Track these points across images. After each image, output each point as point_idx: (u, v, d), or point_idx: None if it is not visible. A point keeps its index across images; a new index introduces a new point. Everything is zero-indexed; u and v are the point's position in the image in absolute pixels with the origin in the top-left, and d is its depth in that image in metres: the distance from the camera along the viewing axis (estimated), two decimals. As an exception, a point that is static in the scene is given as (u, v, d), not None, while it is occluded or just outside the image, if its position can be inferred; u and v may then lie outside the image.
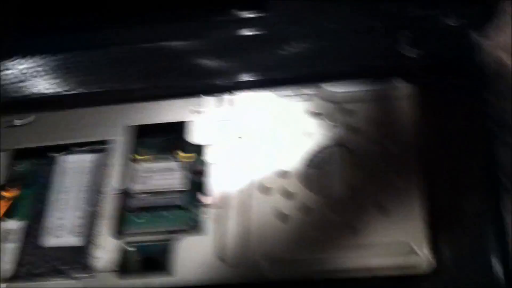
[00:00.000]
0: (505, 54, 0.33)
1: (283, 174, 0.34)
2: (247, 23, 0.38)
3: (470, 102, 0.33)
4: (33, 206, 0.36)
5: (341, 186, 0.33)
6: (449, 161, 0.33)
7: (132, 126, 0.37)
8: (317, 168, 0.34)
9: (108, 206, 0.35)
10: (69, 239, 0.34)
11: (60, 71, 0.39)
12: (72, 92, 0.38)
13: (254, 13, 0.38)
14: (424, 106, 0.34)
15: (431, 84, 0.34)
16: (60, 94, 0.38)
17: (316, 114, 0.35)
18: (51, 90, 0.38)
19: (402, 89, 0.35)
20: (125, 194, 0.35)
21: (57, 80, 0.38)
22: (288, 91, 0.37)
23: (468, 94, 0.33)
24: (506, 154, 0.31)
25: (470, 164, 0.32)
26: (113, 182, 0.35)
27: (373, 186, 0.33)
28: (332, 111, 0.35)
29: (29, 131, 0.38)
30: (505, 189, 0.33)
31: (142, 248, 0.34)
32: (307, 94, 0.36)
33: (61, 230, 0.35)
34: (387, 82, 0.35)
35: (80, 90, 0.38)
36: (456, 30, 0.34)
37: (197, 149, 0.36)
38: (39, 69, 0.39)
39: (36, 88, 0.38)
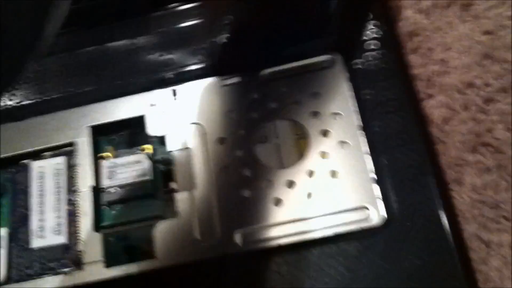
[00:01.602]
0: None
1: (238, 152, 0.38)
2: (184, 14, 0.41)
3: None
4: (13, 213, 0.39)
5: (293, 156, 0.37)
6: (381, 117, 0.37)
7: (93, 126, 0.40)
8: (266, 142, 0.38)
9: (84, 203, 0.38)
10: (53, 238, 0.38)
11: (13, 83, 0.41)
12: (29, 102, 0.40)
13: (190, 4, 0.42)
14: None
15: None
16: (19, 104, 0.40)
17: (258, 93, 0.39)
18: (9, 102, 0.40)
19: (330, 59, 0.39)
20: (97, 190, 0.38)
21: (12, 92, 0.41)
22: (229, 77, 0.40)
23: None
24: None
25: (402, 119, 0.37)
26: (85, 181, 0.38)
27: (321, 152, 0.37)
28: (268, 90, 0.39)
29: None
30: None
31: (122, 238, 0.37)
32: (249, 76, 0.40)
33: (44, 231, 0.38)
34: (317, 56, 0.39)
35: (37, 98, 0.40)
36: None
37: (158, 140, 0.39)
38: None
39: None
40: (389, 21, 0.40)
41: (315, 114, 0.38)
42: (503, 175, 0.36)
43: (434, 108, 0.39)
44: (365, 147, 0.36)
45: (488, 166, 0.37)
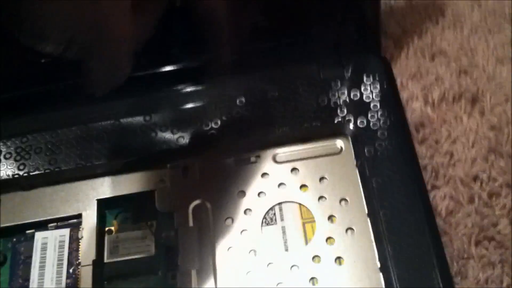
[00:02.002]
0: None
1: (243, 233, 0.38)
2: (195, 95, 0.42)
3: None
4: (12, 283, 0.38)
5: (298, 240, 0.37)
6: (388, 206, 0.37)
7: (101, 199, 0.40)
8: (272, 224, 0.38)
9: (85, 277, 0.38)
10: (51, 312, 0.37)
11: (24, 152, 0.41)
12: (39, 172, 0.41)
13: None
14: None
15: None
16: (28, 174, 0.41)
17: (265, 175, 0.39)
18: (19, 172, 0.41)
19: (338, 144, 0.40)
20: (99, 265, 0.38)
21: (22, 162, 0.41)
22: (239, 156, 0.40)
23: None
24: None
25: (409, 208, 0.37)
26: (87, 254, 0.38)
27: (327, 238, 0.37)
28: (277, 171, 0.39)
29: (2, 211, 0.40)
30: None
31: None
32: (257, 157, 0.40)
33: (43, 303, 0.37)
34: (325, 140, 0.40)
35: (46, 169, 0.41)
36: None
37: (164, 216, 0.39)
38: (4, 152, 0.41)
39: (2, 171, 0.41)
40: (398, 111, 0.40)
41: (322, 199, 0.38)
42: (507, 270, 0.36)
43: (440, 199, 0.39)
44: (372, 235, 0.36)
45: (491, 261, 0.37)
